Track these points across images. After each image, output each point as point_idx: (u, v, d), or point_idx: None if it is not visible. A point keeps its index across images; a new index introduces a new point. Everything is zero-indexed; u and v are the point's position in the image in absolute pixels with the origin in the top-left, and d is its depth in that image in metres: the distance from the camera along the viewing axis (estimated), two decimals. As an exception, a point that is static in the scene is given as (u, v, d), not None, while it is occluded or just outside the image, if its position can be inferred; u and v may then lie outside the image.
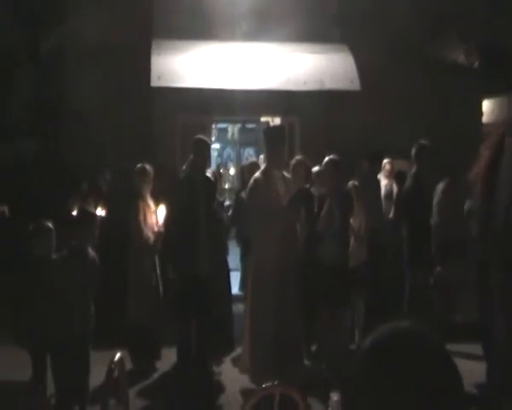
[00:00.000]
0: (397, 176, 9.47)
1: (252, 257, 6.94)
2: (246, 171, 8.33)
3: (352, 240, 7.87)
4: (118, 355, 3.23)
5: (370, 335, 1.40)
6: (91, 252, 5.80)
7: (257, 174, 7.05)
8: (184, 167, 7.58)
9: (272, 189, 6.83)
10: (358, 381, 1.34)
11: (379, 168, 9.61)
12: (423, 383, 1.30)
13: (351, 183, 8.32)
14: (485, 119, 12.71)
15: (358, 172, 9.35)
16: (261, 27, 11.67)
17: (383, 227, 8.90)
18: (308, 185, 7.60)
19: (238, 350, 7.81)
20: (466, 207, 7.06)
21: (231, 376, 7.35)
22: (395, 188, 9.71)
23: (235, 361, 7.78)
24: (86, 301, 5.71)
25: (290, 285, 6.74)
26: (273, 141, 7.02)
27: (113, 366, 3.14)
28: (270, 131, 7.69)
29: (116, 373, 3.42)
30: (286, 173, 7.17)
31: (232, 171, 13.20)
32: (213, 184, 7.63)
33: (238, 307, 8.48)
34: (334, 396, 2.99)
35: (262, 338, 6.71)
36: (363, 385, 1.33)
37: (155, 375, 7.46)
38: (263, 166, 7.22)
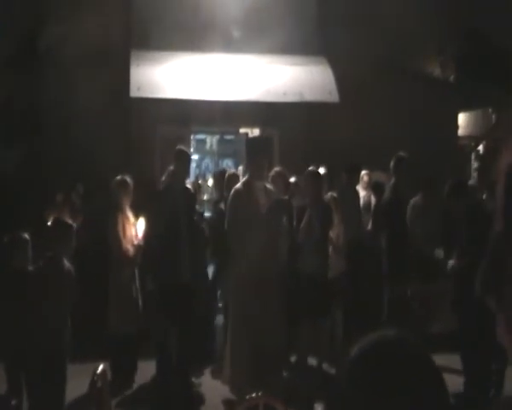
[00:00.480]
0: (374, 187, 9.55)
1: (232, 267, 6.94)
2: (225, 182, 8.35)
3: (330, 251, 7.92)
4: (101, 367, 3.22)
5: (357, 344, 1.41)
6: (67, 263, 5.71)
7: (238, 185, 7.05)
8: (164, 178, 7.57)
9: (253, 200, 6.83)
10: (345, 390, 1.35)
11: (357, 180, 9.68)
12: (410, 391, 1.32)
13: (329, 194, 8.38)
14: (460, 132, 12.87)
15: (337, 183, 9.41)
16: (241, 39, 11.72)
17: (362, 238, 8.96)
18: (287, 197, 7.63)
19: (218, 362, 7.81)
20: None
21: (211, 387, 7.34)
22: (373, 199, 9.78)
23: (214, 373, 7.77)
24: (62, 314, 5.62)
25: (271, 296, 6.75)
26: (254, 152, 7.03)
27: (95, 377, 3.12)
28: (251, 141, 7.70)
29: (99, 385, 3.40)
30: (268, 185, 7.18)
31: (210, 182, 13.19)
32: (193, 195, 7.64)
33: (218, 319, 8.49)
34: (318, 408, 3.02)
35: (242, 349, 6.71)
36: (350, 394, 1.34)
37: (135, 387, 7.42)
38: (244, 177, 7.23)
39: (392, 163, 8.12)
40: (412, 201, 8.94)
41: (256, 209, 6.78)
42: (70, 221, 5.97)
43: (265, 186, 7.06)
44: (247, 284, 6.68)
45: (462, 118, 13.09)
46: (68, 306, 5.67)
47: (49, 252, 5.67)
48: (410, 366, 1.36)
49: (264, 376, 6.51)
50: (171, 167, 7.37)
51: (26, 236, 5.93)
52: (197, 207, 8.25)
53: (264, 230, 6.70)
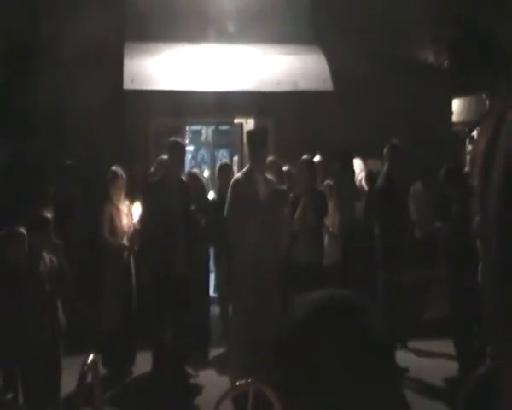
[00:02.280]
0: (367, 176, 9.56)
1: (232, 256, 6.97)
2: (217, 172, 8.38)
3: (326, 239, 7.94)
4: (91, 357, 3.22)
5: (303, 304, 1.42)
6: (47, 256, 5.72)
7: (238, 175, 7.13)
8: (153, 169, 7.58)
9: (253, 190, 6.87)
10: (291, 345, 1.38)
11: (351, 167, 9.69)
12: (353, 347, 1.35)
13: (326, 182, 8.40)
14: (454, 118, 12.87)
15: (332, 171, 9.43)
16: (234, 29, 11.69)
17: (356, 226, 8.99)
18: (285, 186, 7.65)
19: (214, 352, 7.84)
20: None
21: (208, 377, 7.37)
22: (365, 187, 9.79)
23: (214, 362, 7.81)
24: (53, 307, 5.64)
25: (270, 285, 6.77)
26: (256, 144, 7.08)
27: (85, 368, 3.13)
28: (253, 134, 7.75)
29: (90, 377, 3.41)
30: (269, 176, 7.22)
31: (206, 173, 13.19)
32: (188, 187, 7.64)
33: (213, 309, 8.50)
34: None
35: (240, 338, 6.74)
36: (296, 350, 1.37)
37: (131, 379, 7.45)
38: (245, 168, 7.27)
39: (385, 150, 8.14)
40: (412, 188, 9.01)
41: (256, 199, 6.82)
42: (48, 214, 5.94)
43: (265, 177, 7.09)
44: (246, 272, 6.71)
45: (456, 104, 13.08)
46: (57, 297, 5.67)
47: (29, 247, 5.66)
48: (353, 323, 1.38)
49: (263, 364, 6.53)
50: (161, 158, 7.37)
51: (23, 230, 5.93)
52: (207, 197, 8.34)
53: (263, 219, 6.73)
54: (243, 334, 6.72)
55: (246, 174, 7.02)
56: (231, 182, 7.08)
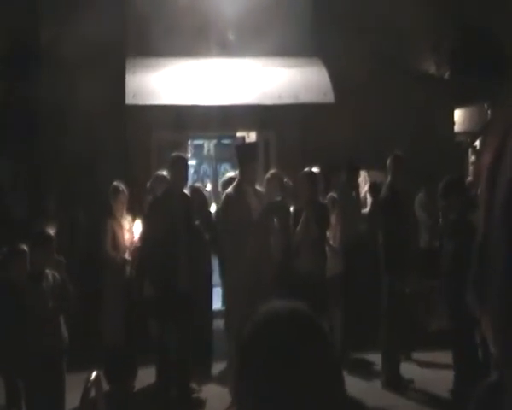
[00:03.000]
0: (371, 187, 9.57)
1: (226, 272, 6.96)
2: (222, 186, 8.38)
3: (327, 251, 7.94)
4: (94, 374, 3.21)
5: (248, 322, 1.46)
6: (50, 273, 5.72)
7: (229, 190, 7.12)
8: (149, 184, 7.60)
9: (244, 204, 6.88)
10: (239, 360, 1.39)
11: (357, 179, 9.72)
12: (302, 362, 1.35)
13: (329, 195, 8.41)
14: (457, 128, 12.87)
15: (336, 183, 9.45)
16: (235, 43, 11.72)
17: (360, 237, 8.99)
18: (280, 198, 7.65)
19: (218, 366, 7.81)
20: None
21: (211, 392, 7.34)
22: (369, 198, 9.80)
23: (217, 376, 7.77)
24: (56, 324, 5.63)
25: (263, 298, 6.75)
26: (245, 157, 7.12)
27: (89, 384, 3.12)
28: (241, 147, 7.82)
29: (93, 393, 3.40)
30: (259, 188, 7.24)
31: (209, 187, 13.20)
32: (191, 201, 7.63)
33: (220, 323, 8.47)
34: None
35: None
36: (244, 369, 1.38)
37: (134, 395, 7.42)
38: (235, 182, 7.29)
39: (388, 162, 8.14)
40: (417, 197, 9.05)
41: (248, 213, 6.83)
42: (50, 232, 5.95)
43: (256, 190, 7.11)
44: (241, 287, 6.69)
45: (458, 114, 13.07)
46: (61, 313, 5.67)
47: (31, 264, 5.66)
48: (301, 338, 1.38)
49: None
50: (159, 173, 7.39)
51: (25, 247, 5.93)
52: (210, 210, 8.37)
53: (256, 234, 6.73)
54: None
55: (236, 188, 7.06)
56: (222, 197, 7.13)
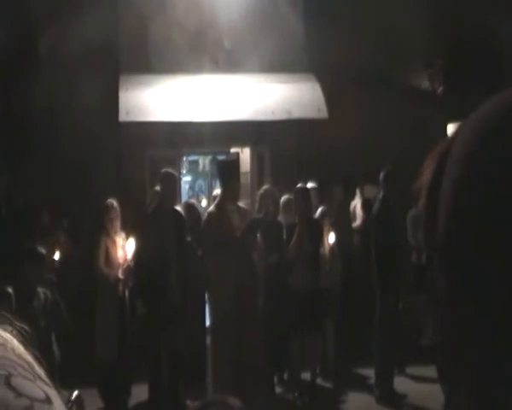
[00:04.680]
0: (364, 204, 9.61)
1: (210, 290, 6.94)
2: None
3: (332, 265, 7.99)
4: (75, 393, 3.21)
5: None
6: (41, 291, 5.69)
7: (211, 208, 7.13)
8: (148, 201, 7.60)
9: (226, 221, 6.84)
10: None
11: (354, 193, 9.76)
12: None
13: (321, 209, 8.43)
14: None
15: (329, 197, 9.49)
16: (228, 59, 11.78)
17: (355, 250, 9.04)
18: (263, 214, 7.66)
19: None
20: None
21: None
22: (358, 212, 9.83)
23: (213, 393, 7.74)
24: (48, 342, 5.60)
25: (249, 315, 6.74)
26: (226, 174, 7.09)
27: (70, 404, 3.11)
28: (222, 164, 7.82)
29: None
30: (241, 204, 7.23)
31: (204, 202, 13.19)
32: (183, 218, 7.64)
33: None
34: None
35: (223, 370, 6.67)
36: None
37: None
38: (216, 200, 7.27)
39: (380, 176, 8.17)
40: (409, 213, 9.06)
41: (230, 231, 6.79)
42: (43, 250, 5.92)
43: (239, 207, 7.09)
44: (224, 304, 6.66)
45: (450, 129, 13.12)
46: (52, 332, 5.66)
47: (21, 280, 5.61)
48: None
49: (250, 395, 6.48)
50: (156, 189, 7.40)
51: (43, 250, 5.87)
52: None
53: (239, 251, 6.70)
54: (226, 365, 6.64)
55: (218, 206, 7.01)
56: (205, 216, 7.10)
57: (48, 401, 0.61)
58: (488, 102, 0.75)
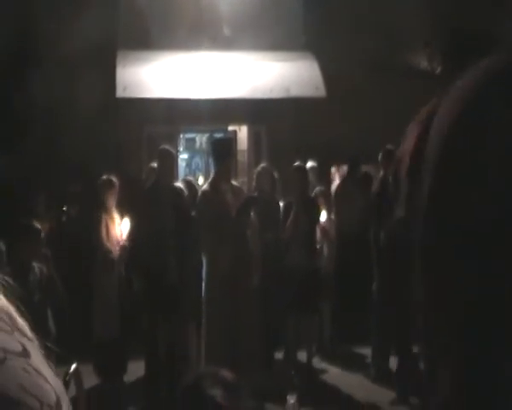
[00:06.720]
0: (363, 177, 9.55)
1: (206, 268, 6.90)
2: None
3: (322, 245, 7.96)
4: (73, 367, 3.18)
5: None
6: (36, 266, 5.66)
7: (204, 187, 7.09)
8: (144, 177, 7.57)
9: (220, 200, 6.79)
10: None
11: (358, 173, 9.69)
12: None
13: (318, 189, 8.40)
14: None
15: (326, 177, 9.46)
16: (227, 36, 11.70)
17: (355, 231, 9.00)
18: (257, 193, 7.63)
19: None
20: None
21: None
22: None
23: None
24: (43, 317, 5.59)
25: (244, 294, 6.73)
26: (220, 153, 7.04)
27: (67, 378, 3.09)
28: (216, 143, 7.76)
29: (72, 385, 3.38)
30: (235, 183, 7.20)
31: (201, 180, 13.16)
32: (182, 194, 7.58)
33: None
34: (291, 399, 3.03)
35: (215, 349, 6.66)
36: None
37: (123, 389, 7.41)
38: (210, 178, 7.23)
39: (380, 156, 8.13)
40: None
41: (224, 209, 6.74)
42: (38, 225, 5.86)
43: (233, 185, 7.05)
44: (219, 283, 6.64)
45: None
46: (49, 308, 5.64)
47: (18, 255, 5.58)
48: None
49: (243, 371, 6.47)
50: (152, 165, 7.36)
51: (39, 226, 5.81)
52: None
53: (234, 230, 6.67)
54: (218, 344, 6.61)
55: (212, 185, 6.95)
56: (198, 195, 7.05)
57: (24, 353, 0.58)
58: (473, 67, 0.74)
